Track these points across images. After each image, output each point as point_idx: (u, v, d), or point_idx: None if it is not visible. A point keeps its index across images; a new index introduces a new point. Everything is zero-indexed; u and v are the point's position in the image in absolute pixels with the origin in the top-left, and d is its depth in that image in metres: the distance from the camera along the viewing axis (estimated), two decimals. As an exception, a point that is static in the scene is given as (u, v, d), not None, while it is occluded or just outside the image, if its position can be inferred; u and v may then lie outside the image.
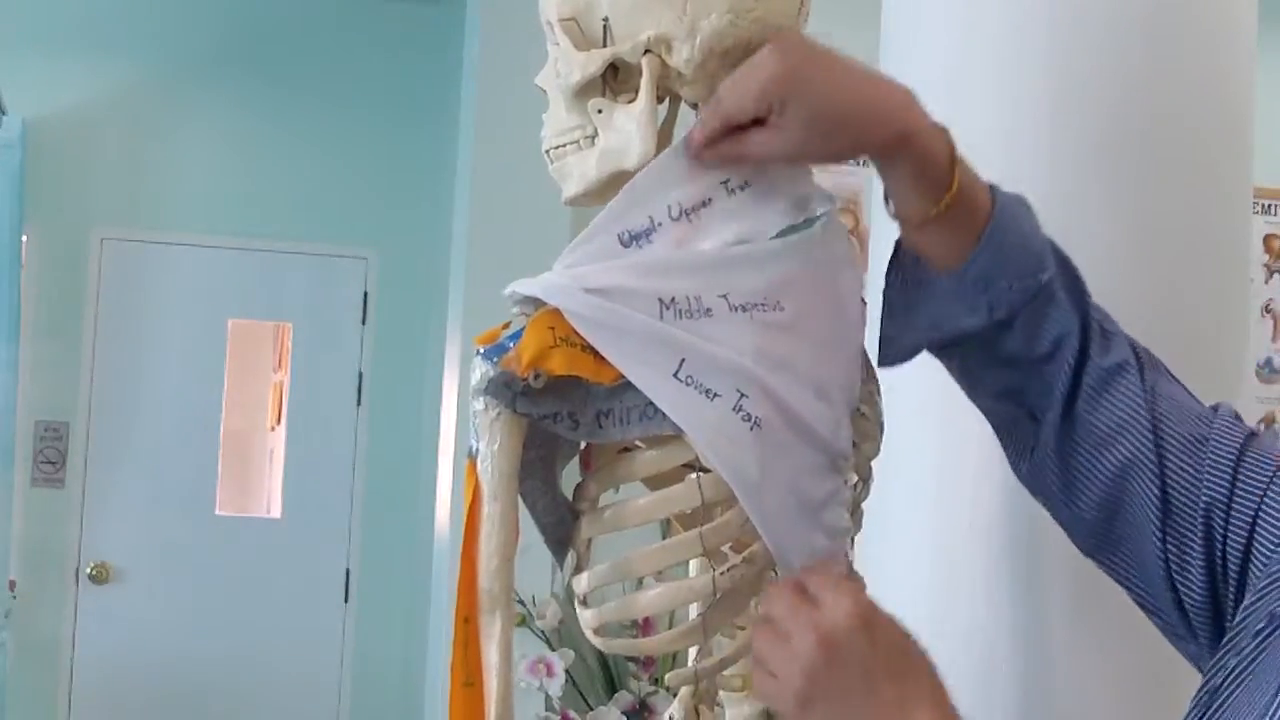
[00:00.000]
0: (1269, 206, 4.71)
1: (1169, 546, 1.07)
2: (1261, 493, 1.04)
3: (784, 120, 1.03)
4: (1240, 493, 1.05)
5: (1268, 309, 4.74)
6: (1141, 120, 1.54)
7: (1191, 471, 1.07)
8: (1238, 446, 1.07)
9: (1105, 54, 1.54)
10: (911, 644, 0.98)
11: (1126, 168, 1.54)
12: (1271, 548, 1.02)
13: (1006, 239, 1.11)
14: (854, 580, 1.01)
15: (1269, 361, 4.56)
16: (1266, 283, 4.74)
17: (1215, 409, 1.11)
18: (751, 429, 1.05)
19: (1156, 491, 1.07)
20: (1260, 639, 0.96)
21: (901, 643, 0.97)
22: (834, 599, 0.96)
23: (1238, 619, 1.01)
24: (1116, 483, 1.09)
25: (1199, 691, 1.01)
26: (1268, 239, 4.77)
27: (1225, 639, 1.01)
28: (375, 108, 5.31)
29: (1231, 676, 0.97)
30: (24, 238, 4.95)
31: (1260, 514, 1.03)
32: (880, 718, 0.94)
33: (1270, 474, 1.05)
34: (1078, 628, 1.50)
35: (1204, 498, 1.06)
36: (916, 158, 1.09)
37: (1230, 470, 1.06)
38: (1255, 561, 1.03)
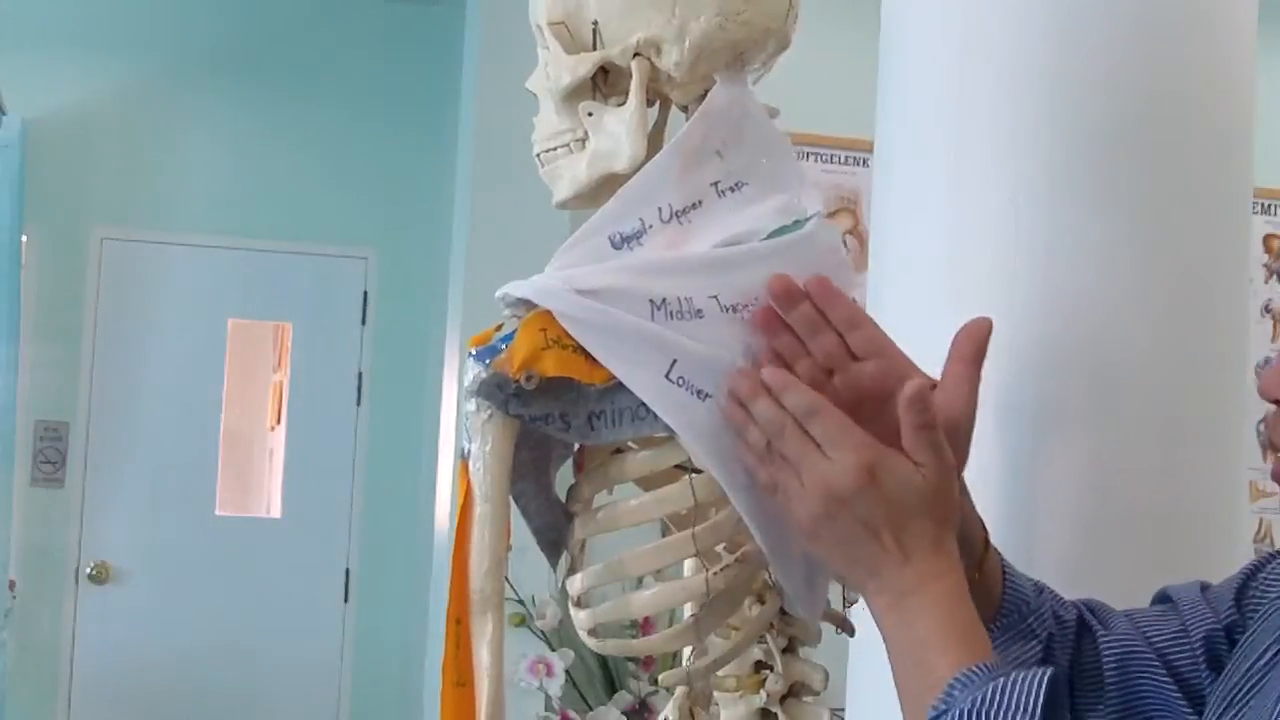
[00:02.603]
0: (1269, 206, 4.71)
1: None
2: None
3: None
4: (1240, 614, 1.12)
5: (1268, 309, 4.73)
6: (1141, 120, 1.54)
7: (1188, 654, 1.13)
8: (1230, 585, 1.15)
9: (1105, 54, 1.54)
10: (915, 492, 0.98)
11: (1126, 168, 1.54)
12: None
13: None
14: (855, 430, 0.99)
15: (1269, 361, 4.54)
16: (1266, 283, 4.74)
17: (1164, 599, 1.19)
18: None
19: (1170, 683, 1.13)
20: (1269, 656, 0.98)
21: (904, 494, 0.98)
22: (840, 454, 0.98)
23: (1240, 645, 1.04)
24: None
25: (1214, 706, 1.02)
26: (1268, 239, 4.76)
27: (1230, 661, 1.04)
28: (375, 108, 5.31)
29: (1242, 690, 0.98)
30: (24, 238, 4.94)
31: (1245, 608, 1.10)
32: (880, 562, 0.98)
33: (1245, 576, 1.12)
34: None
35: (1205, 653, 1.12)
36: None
37: (1231, 602, 1.12)
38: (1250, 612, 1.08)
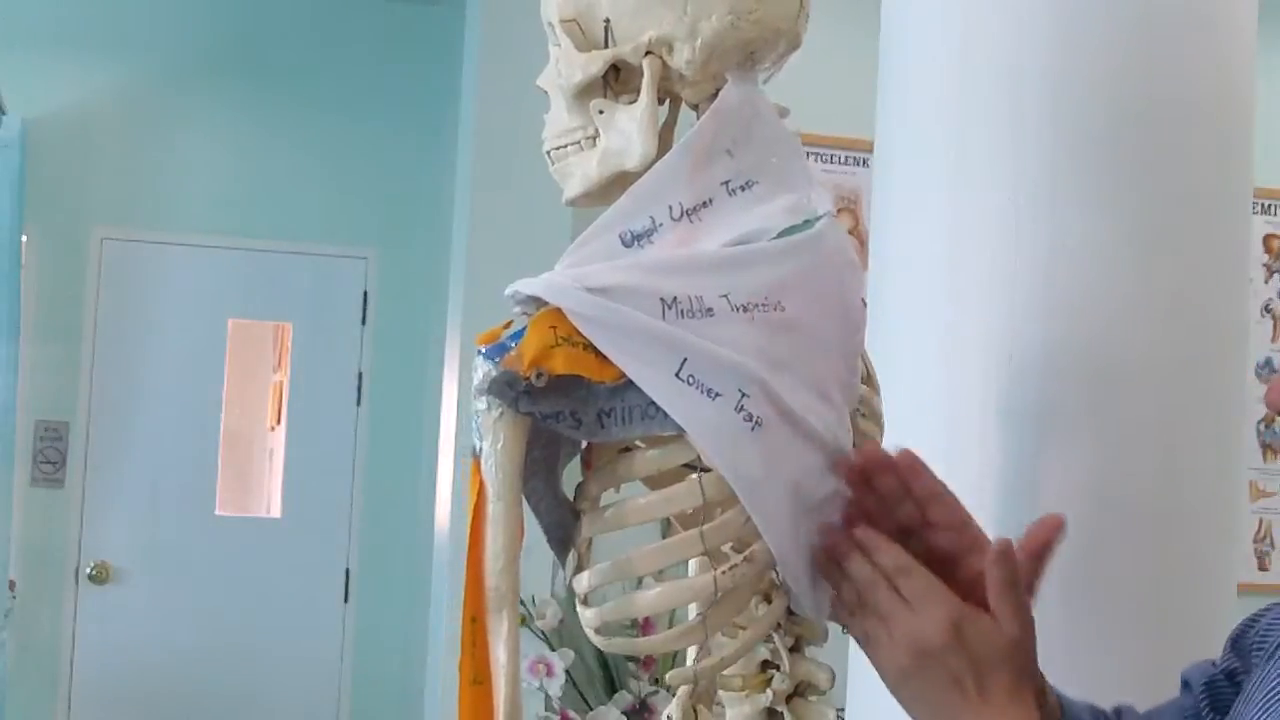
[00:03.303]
0: (1269, 206, 4.71)
1: None
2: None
3: None
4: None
5: (1268, 309, 4.74)
6: (1141, 120, 1.55)
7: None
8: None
9: (1105, 55, 1.54)
10: (997, 647, 1.03)
11: (1126, 168, 1.54)
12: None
13: None
14: (941, 589, 1.05)
15: (1269, 361, 4.56)
16: (1266, 282, 4.74)
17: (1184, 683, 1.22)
18: (753, 429, 1.06)
19: None
20: None
21: (986, 648, 1.03)
22: (929, 610, 1.03)
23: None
24: None
25: None
26: (1268, 239, 4.76)
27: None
28: (375, 108, 5.30)
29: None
30: (24, 238, 4.94)
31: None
32: (960, 711, 1.03)
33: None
34: (1074, 629, 1.51)
35: None
36: None
37: (1230, 651, 1.16)
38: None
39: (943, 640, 1.02)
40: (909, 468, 1.12)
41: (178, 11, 5.21)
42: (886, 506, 1.12)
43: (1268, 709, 0.99)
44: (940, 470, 1.60)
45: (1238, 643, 1.15)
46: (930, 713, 1.05)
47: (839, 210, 4.28)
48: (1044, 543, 1.09)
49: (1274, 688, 1.00)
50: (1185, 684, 1.22)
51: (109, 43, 5.17)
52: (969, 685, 1.03)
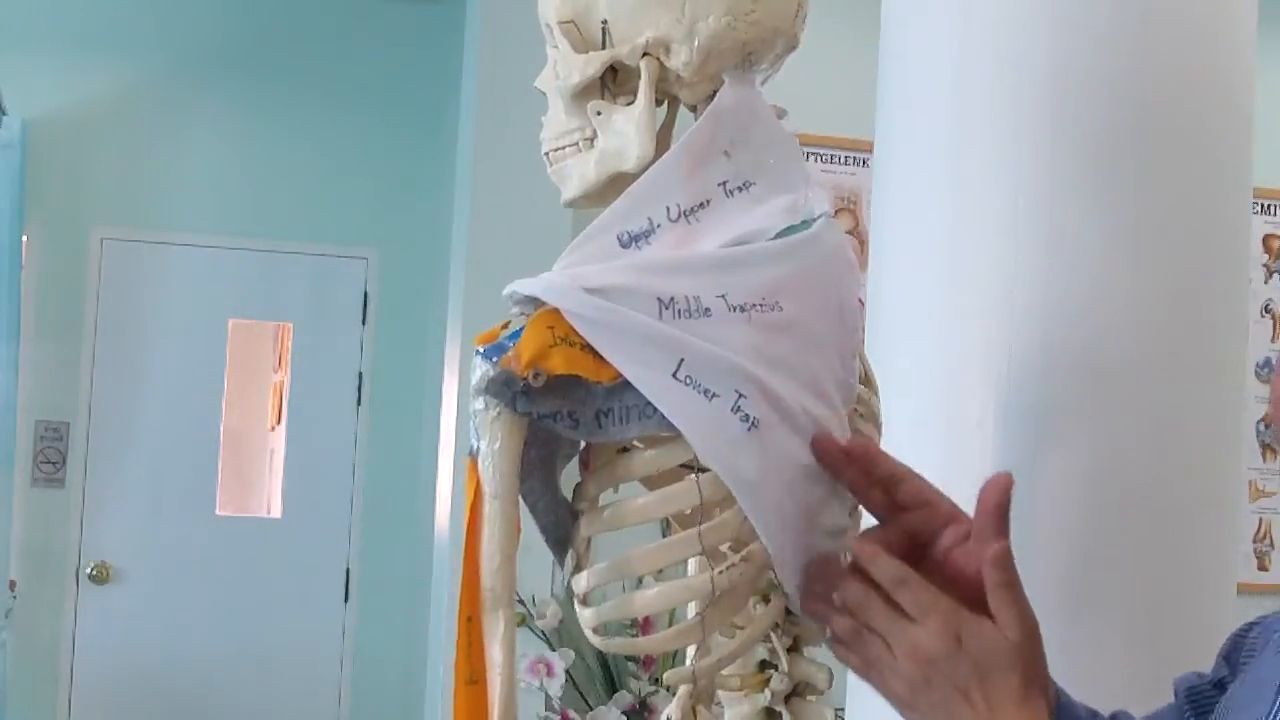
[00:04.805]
0: (1269, 206, 4.71)
1: None
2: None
3: None
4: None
5: (1267, 309, 4.74)
6: (1141, 120, 1.54)
7: None
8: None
9: (1105, 55, 1.54)
10: (999, 651, 1.02)
11: (1126, 168, 1.54)
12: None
13: None
14: (939, 597, 1.03)
15: (1269, 361, 4.55)
16: (1266, 282, 4.74)
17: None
18: (749, 429, 1.06)
19: None
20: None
21: (989, 653, 1.02)
22: (929, 620, 1.02)
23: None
24: None
25: None
26: (1268, 239, 4.76)
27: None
28: (375, 107, 5.30)
29: None
30: (24, 238, 4.94)
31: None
32: (973, 717, 1.02)
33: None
34: (1074, 629, 1.51)
35: None
36: None
37: (1222, 661, 1.15)
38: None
39: (945, 648, 1.01)
40: (864, 454, 1.10)
41: (178, 12, 5.21)
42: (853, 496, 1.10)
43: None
44: (940, 470, 1.60)
45: (1229, 657, 1.14)
46: None
47: (839, 210, 4.29)
48: (998, 505, 1.07)
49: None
50: (1176, 693, 1.21)
51: (109, 43, 5.17)
52: (976, 695, 1.01)
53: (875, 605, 1.04)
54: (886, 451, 1.12)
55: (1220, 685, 1.13)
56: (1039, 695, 1.04)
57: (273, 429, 5.96)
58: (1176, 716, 1.16)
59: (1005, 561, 1.03)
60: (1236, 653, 1.14)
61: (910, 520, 1.09)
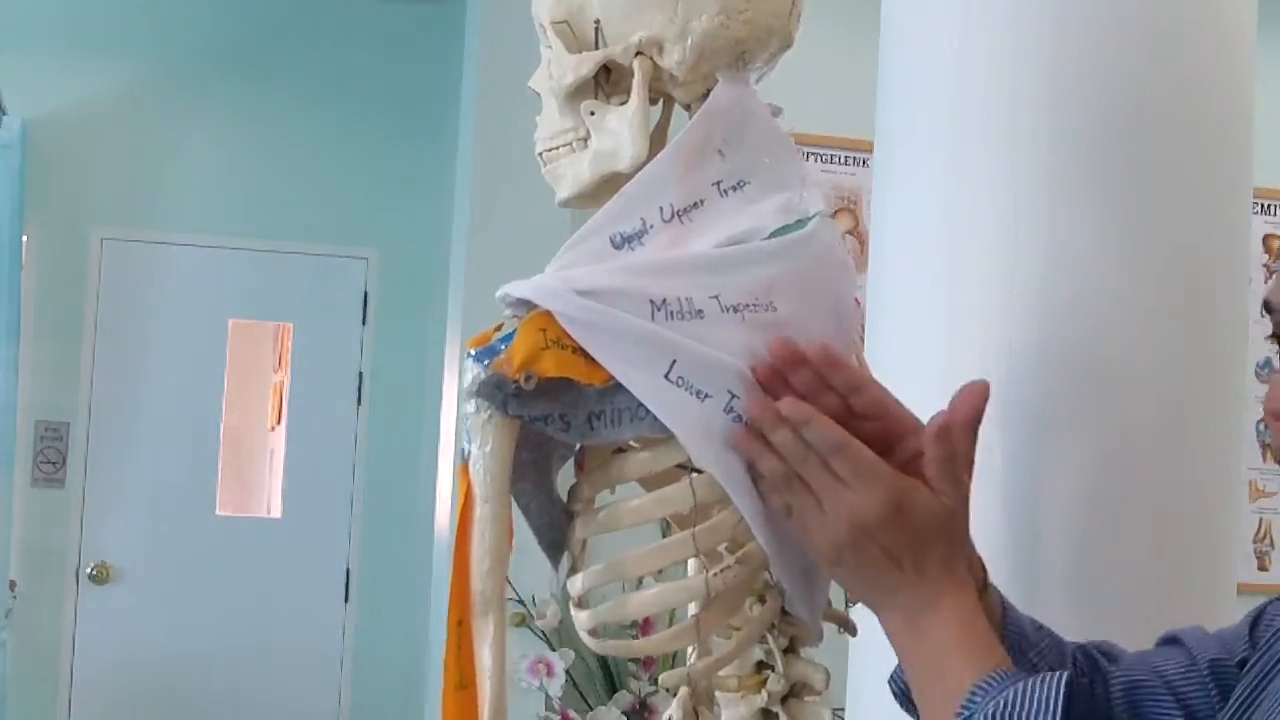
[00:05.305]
0: (1269, 206, 4.70)
1: None
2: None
3: None
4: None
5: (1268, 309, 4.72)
6: (1141, 120, 1.54)
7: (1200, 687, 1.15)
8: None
9: (1105, 54, 1.54)
10: (936, 520, 1.03)
11: (1126, 168, 1.54)
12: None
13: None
14: (879, 464, 1.03)
15: (1269, 362, 4.54)
16: (1266, 282, 4.72)
17: (1170, 640, 1.21)
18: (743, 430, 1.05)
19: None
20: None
21: (926, 522, 1.03)
22: (867, 487, 1.01)
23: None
24: None
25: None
26: (1268, 239, 4.76)
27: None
28: (375, 108, 5.30)
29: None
30: (24, 238, 4.94)
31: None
32: (898, 583, 1.03)
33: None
34: (1073, 629, 1.50)
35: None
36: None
37: (1245, 638, 1.14)
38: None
39: (883, 516, 1.01)
40: (826, 361, 1.08)
41: (178, 12, 5.21)
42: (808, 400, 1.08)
43: None
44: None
45: (1253, 631, 1.13)
46: (866, 587, 1.05)
47: (839, 210, 4.29)
48: (973, 410, 1.07)
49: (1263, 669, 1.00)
50: (1173, 639, 1.20)
51: (109, 43, 5.17)
52: (905, 560, 1.02)
53: (811, 462, 1.03)
54: (841, 354, 1.10)
55: (1243, 666, 1.12)
56: (962, 563, 1.06)
57: (273, 429, 5.96)
58: (1200, 684, 1.14)
59: (947, 436, 1.03)
60: (1257, 628, 1.13)
61: (867, 429, 1.07)
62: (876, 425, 1.08)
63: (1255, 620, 1.14)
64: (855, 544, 1.02)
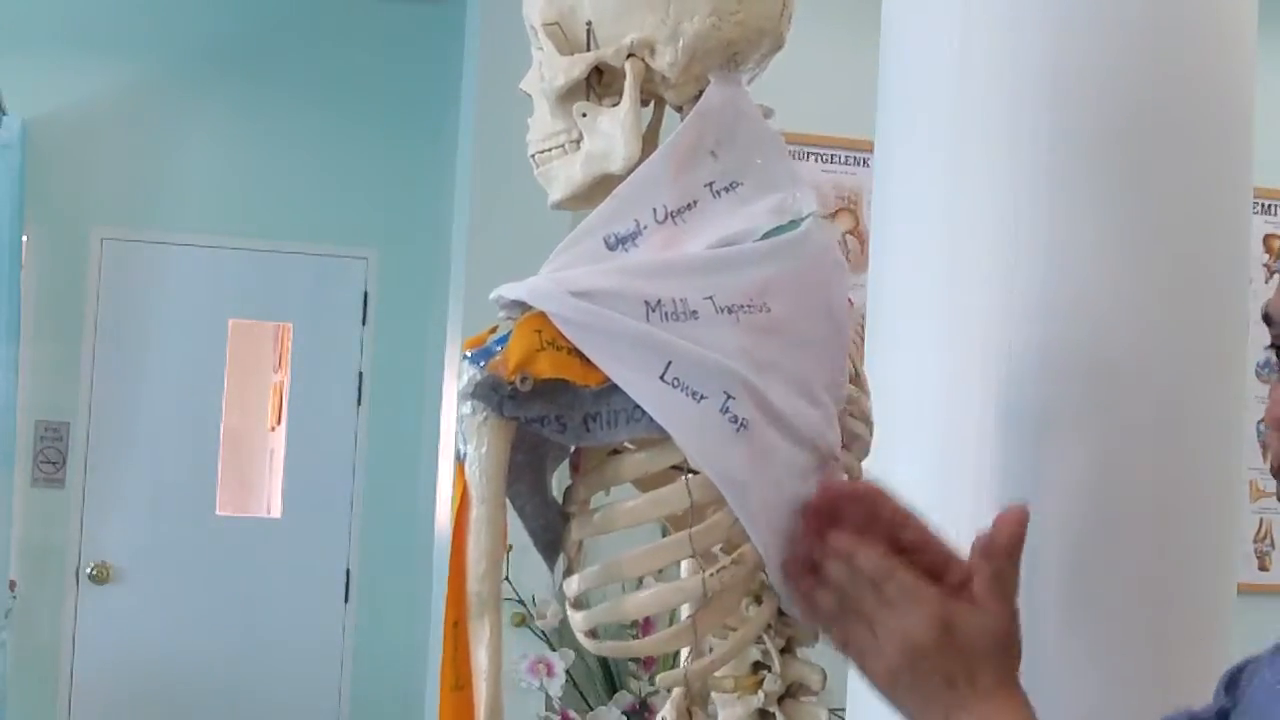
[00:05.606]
0: (1269, 206, 4.70)
1: None
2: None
3: None
4: None
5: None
6: (1141, 120, 1.54)
7: None
8: None
9: (1105, 55, 1.54)
10: (989, 637, 1.03)
11: (1126, 168, 1.54)
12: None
13: None
14: (925, 587, 1.04)
15: (1269, 362, 4.54)
16: (1266, 282, 4.73)
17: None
18: (738, 430, 1.05)
19: None
20: None
21: (978, 641, 1.03)
22: (916, 610, 1.03)
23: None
24: None
25: None
26: (1268, 239, 4.75)
27: None
28: (375, 108, 5.30)
29: None
30: (24, 238, 4.94)
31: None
32: (953, 703, 1.03)
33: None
34: (1074, 629, 1.50)
35: None
36: None
37: (1223, 693, 1.15)
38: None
39: (934, 639, 1.02)
40: (873, 496, 1.10)
41: (178, 12, 5.21)
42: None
43: None
44: (939, 471, 1.59)
45: (1230, 686, 1.14)
46: (922, 709, 1.05)
47: (839, 210, 4.28)
48: (1014, 537, 1.07)
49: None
50: None
51: (109, 43, 5.16)
52: (960, 679, 1.02)
53: (862, 587, 1.05)
54: (887, 491, 1.12)
55: (1222, 715, 1.13)
56: (1016, 678, 1.06)
57: (273, 429, 5.95)
58: None
59: (995, 554, 1.04)
60: (1236, 684, 1.13)
61: (914, 562, 1.08)
62: (923, 558, 1.09)
63: (1234, 676, 1.15)
64: (909, 666, 1.03)
